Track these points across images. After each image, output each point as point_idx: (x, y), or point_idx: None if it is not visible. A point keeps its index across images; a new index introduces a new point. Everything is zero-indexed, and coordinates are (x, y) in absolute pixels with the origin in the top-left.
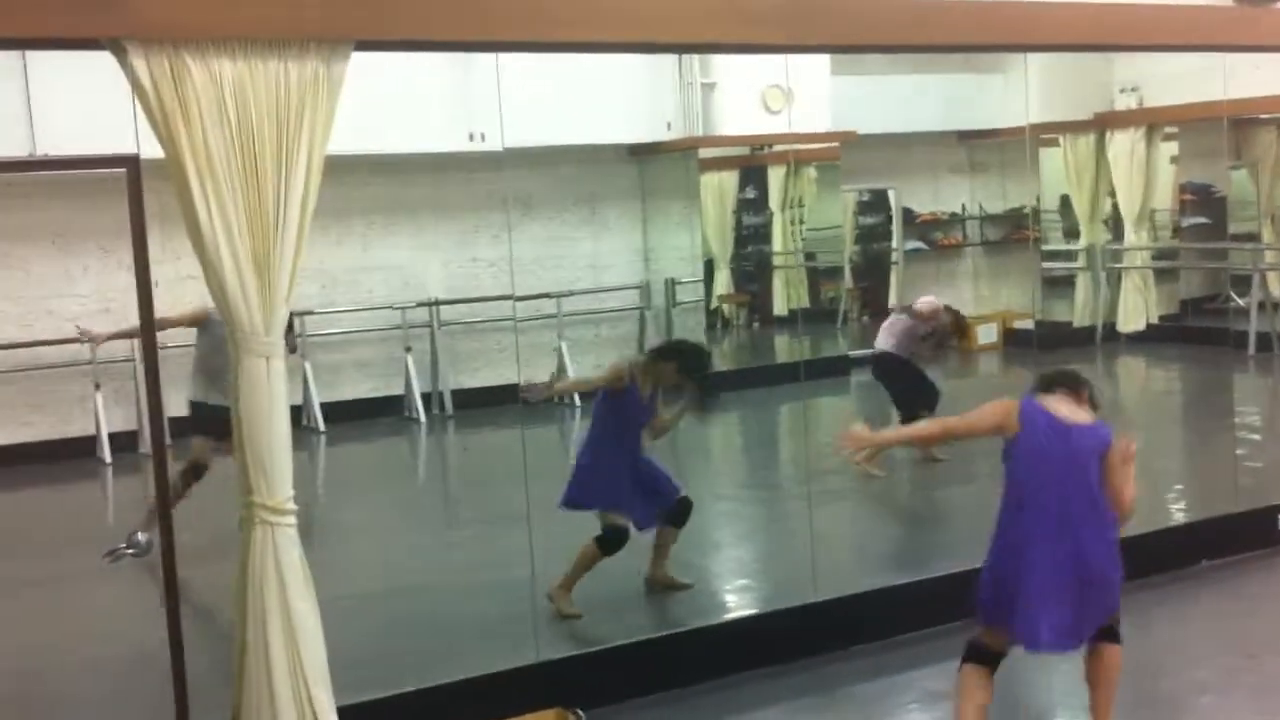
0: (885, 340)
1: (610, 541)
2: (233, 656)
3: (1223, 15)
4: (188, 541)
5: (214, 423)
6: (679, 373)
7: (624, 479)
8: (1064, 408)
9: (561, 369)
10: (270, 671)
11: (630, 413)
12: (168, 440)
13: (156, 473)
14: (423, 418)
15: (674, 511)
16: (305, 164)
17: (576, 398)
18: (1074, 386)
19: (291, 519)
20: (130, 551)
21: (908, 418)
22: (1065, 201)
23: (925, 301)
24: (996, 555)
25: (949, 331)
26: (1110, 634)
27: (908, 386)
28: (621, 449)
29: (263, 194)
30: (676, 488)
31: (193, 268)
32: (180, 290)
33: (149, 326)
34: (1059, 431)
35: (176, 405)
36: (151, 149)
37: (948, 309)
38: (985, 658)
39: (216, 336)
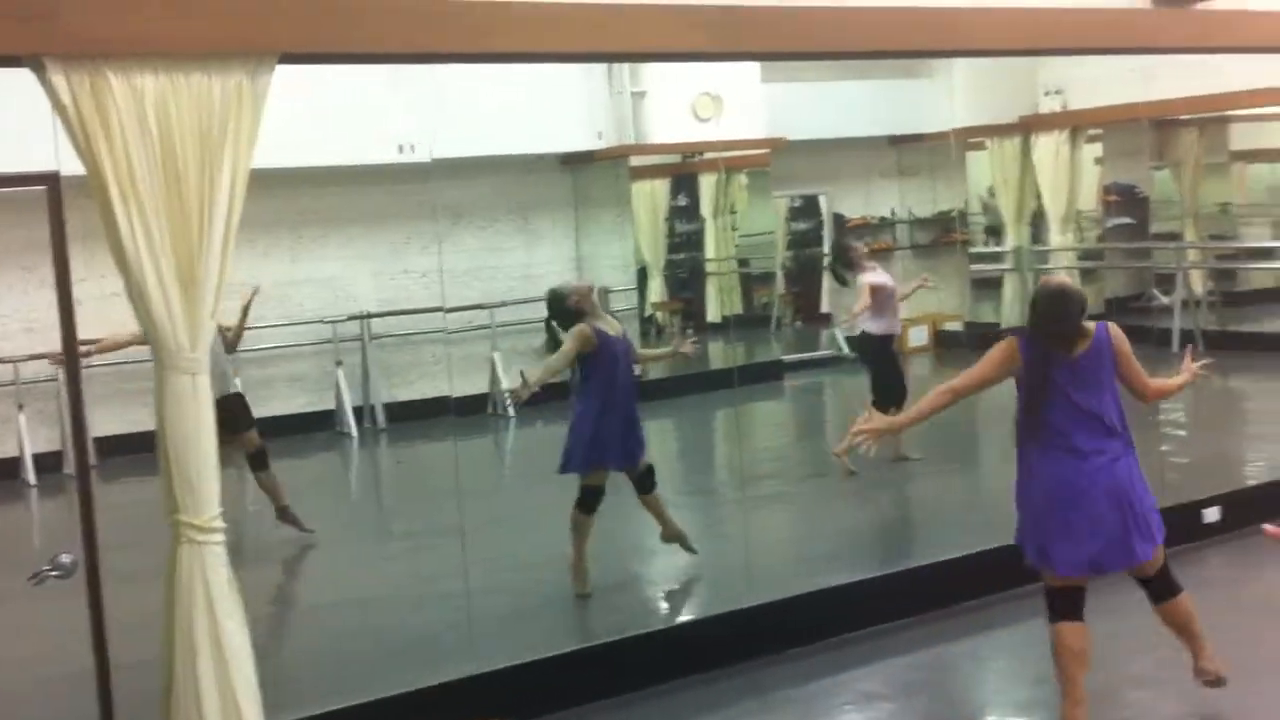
0: (867, 322)
1: (587, 501)
2: (160, 676)
3: (1142, 18)
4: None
5: None
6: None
7: (616, 434)
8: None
9: (495, 380)
10: (199, 691)
11: (618, 363)
12: (92, 460)
13: (81, 492)
14: (355, 432)
15: (640, 480)
16: (229, 178)
17: (511, 407)
18: (1066, 340)
19: (219, 537)
20: (54, 573)
21: (879, 407)
22: (988, 205)
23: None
24: (1027, 495)
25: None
26: (1171, 586)
27: (884, 371)
28: (619, 405)
29: (186, 209)
30: (643, 444)
31: (118, 285)
32: (106, 308)
33: (71, 347)
34: (1057, 358)
35: (102, 425)
36: (73, 166)
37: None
38: (1066, 606)
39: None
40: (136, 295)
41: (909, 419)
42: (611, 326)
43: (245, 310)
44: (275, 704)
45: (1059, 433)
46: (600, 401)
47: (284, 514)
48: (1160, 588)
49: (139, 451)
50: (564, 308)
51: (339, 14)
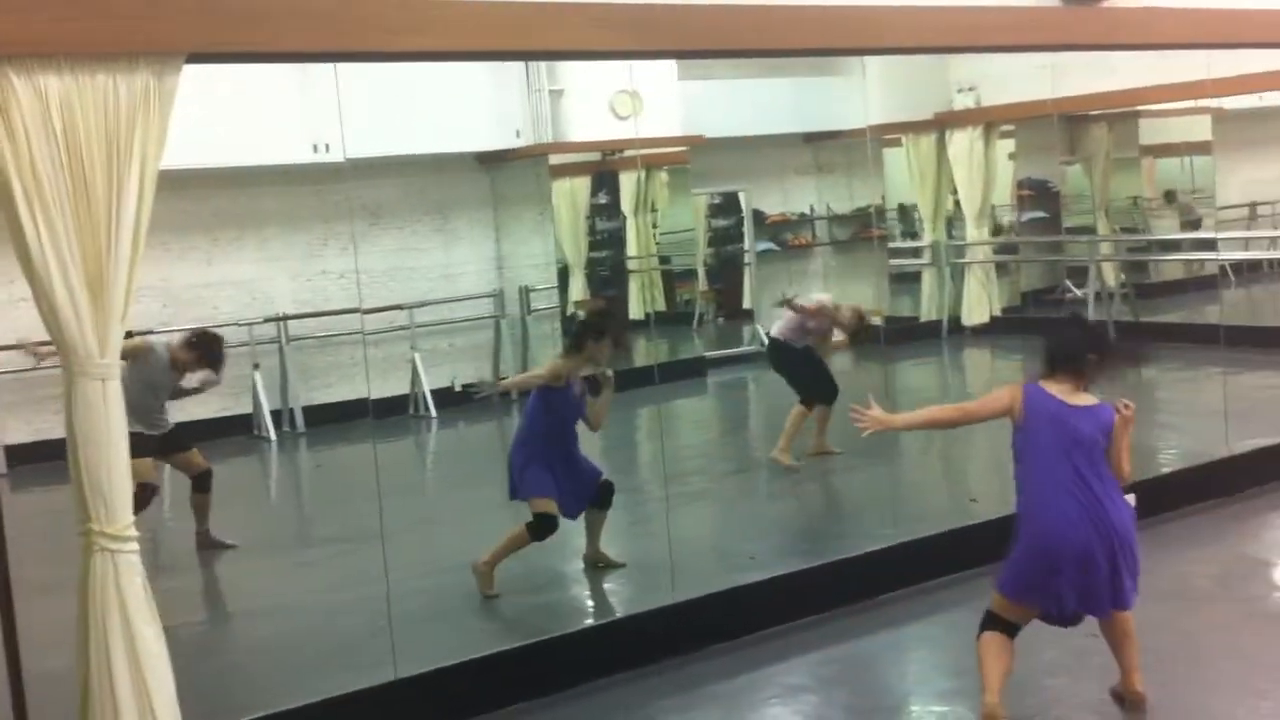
0: (777, 328)
1: (541, 529)
2: (77, 687)
3: (1050, 16)
4: (30, 572)
5: (146, 444)
6: (614, 343)
7: (557, 471)
8: (1066, 391)
9: (416, 380)
10: (116, 702)
11: (566, 410)
12: (3, 469)
13: None
14: (273, 436)
15: (598, 496)
16: (138, 180)
17: (433, 407)
18: (1075, 368)
19: (133, 545)
20: None
21: (808, 405)
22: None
23: (812, 299)
24: (1023, 536)
25: (836, 325)
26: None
27: (803, 374)
28: (556, 443)
29: (94, 212)
30: (598, 473)
31: (26, 290)
32: (14, 314)
33: None
34: (1062, 415)
35: (12, 432)
36: None
37: (850, 307)
38: (1006, 628)
39: (149, 372)
40: (43, 300)
41: (913, 420)
42: (580, 381)
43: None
44: (194, 713)
45: (1055, 479)
46: (535, 430)
47: (204, 538)
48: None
49: (51, 459)
50: (619, 323)
51: (245, 14)
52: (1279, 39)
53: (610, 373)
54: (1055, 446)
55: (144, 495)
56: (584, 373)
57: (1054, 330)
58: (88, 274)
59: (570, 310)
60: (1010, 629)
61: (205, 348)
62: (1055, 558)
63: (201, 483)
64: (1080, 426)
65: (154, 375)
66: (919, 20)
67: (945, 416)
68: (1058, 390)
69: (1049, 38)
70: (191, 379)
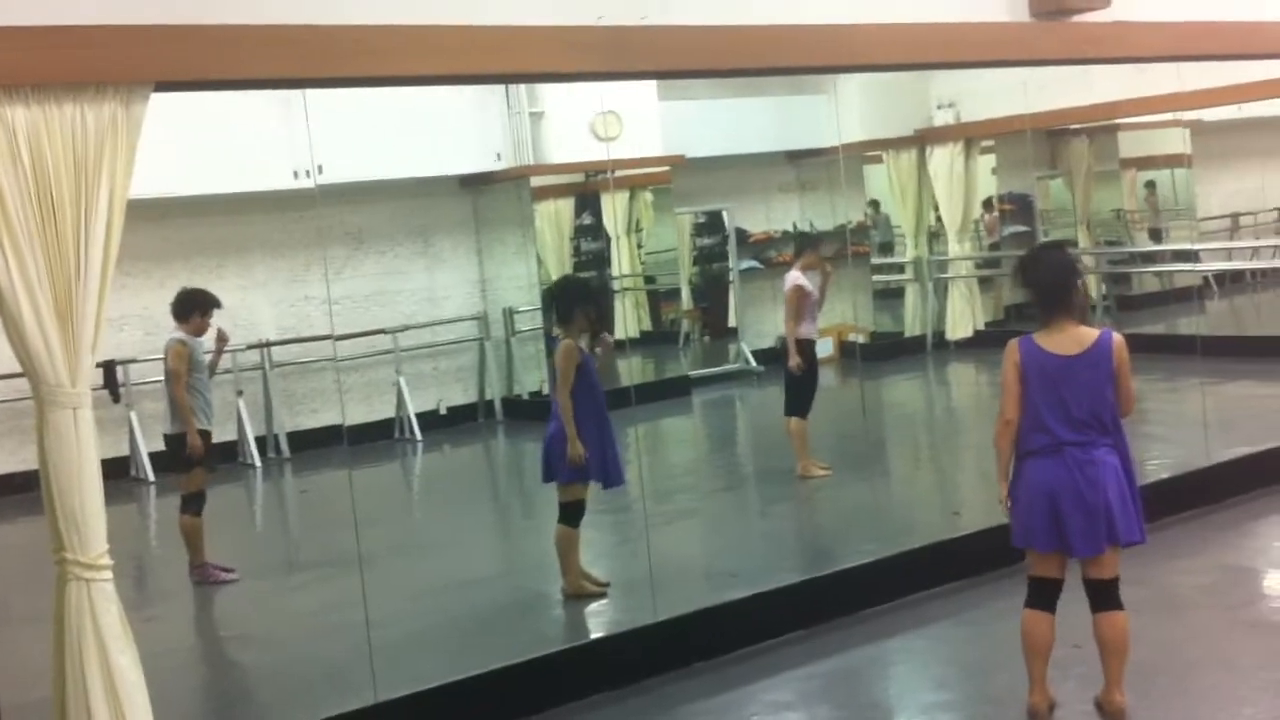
0: (805, 330)
1: (572, 514)
2: (54, 717)
3: (1021, 32)
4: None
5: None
6: (596, 302)
7: (597, 444)
8: (1062, 337)
9: (401, 404)
10: None
11: (593, 378)
12: None
13: None
14: (258, 462)
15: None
16: (106, 209)
17: (418, 431)
18: (1067, 300)
19: (107, 574)
20: None
21: (791, 411)
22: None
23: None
24: (1021, 478)
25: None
26: (1113, 600)
27: (802, 377)
28: (593, 416)
29: (63, 241)
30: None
31: None
32: None
33: None
34: (1053, 370)
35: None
36: None
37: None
38: (1041, 596)
39: (198, 361)
40: (13, 330)
41: (1001, 469)
42: (589, 343)
43: (219, 351)
44: None
45: (1048, 429)
46: (582, 416)
47: (201, 571)
48: (1104, 596)
49: (36, 489)
50: (567, 304)
51: (214, 42)
52: (1249, 50)
53: (609, 336)
54: (1045, 401)
55: (196, 502)
56: (585, 339)
57: (1033, 266)
58: (57, 304)
59: (555, 331)
60: (1045, 598)
61: (198, 299)
62: (1044, 500)
63: (195, 503)
64: (1074, 377)
65: (201, 357)
66: (891, 37)
67: (1008, 430)
68: (1052, 343)
69: (1020, 52)
70: (209, 342)
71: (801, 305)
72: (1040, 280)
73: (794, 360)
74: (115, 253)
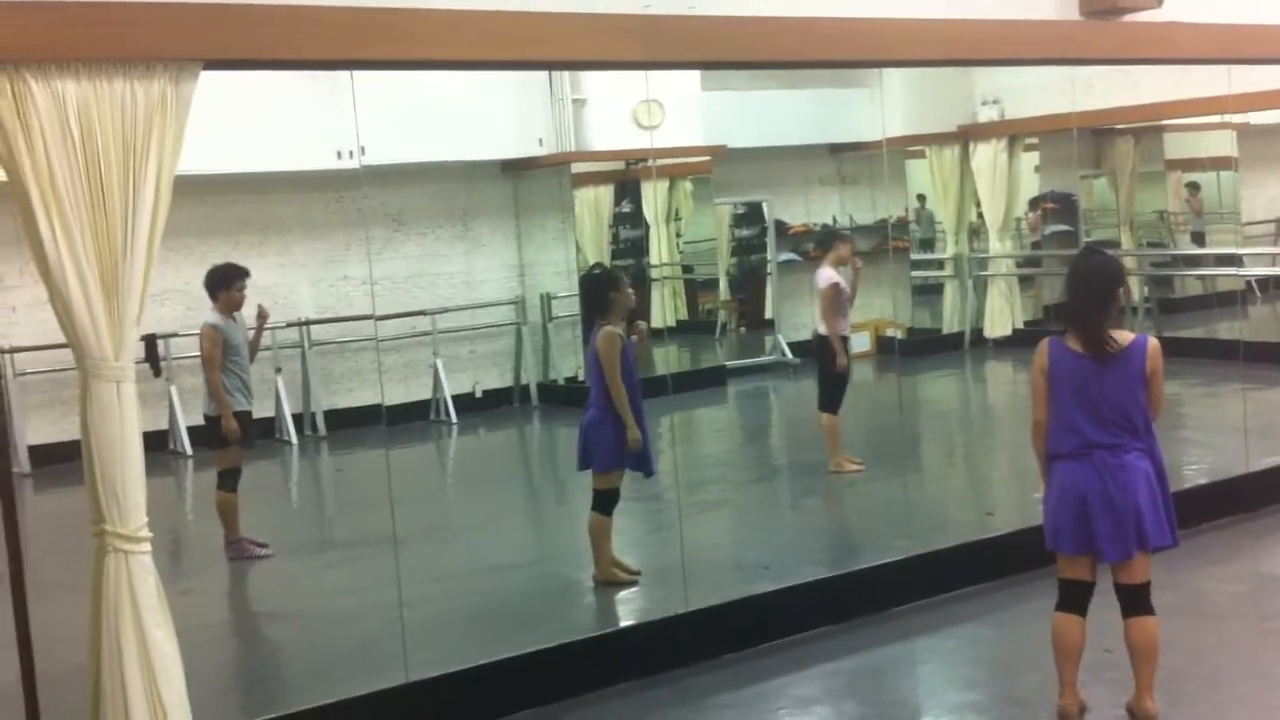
0: (844, 325)
1: (607, 502)
2: (88, 688)
3: (1071, 30)
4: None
5: (244, 421)
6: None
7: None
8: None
9: (438, 386)
10: (127, 703)
11: (633, 366)
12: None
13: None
14: (295, 439)
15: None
16: (154, 186)
17: (454, 413)
18: (1104, 316)
19: (146, 546)
20: None
21: (824, 407)
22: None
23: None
24: (1052, 480)
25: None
26: (1144, 605)
27: (829, 376)
28: (633, 400)
29: (110, 217)
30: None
31: None
32: (42, 314)
33: None
34: (1082, 375)
35: (36, 432)
36: None
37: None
38: (1072, 598)
39: (237, 344)
40: (59, 303)
41: (1043, 470)
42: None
43: (259, 329)
44: (204, 714)
45: (1078, 430)
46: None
47: (237, 547)
48: (1135, 601)
49: (75, 459)
50: (600, 291)
51: (263, 21)
52: None
53: (644, 324)
54: (1075, 402)
55: (232, 479)
56: (624, 326)
57: (1077, 285)
58: (103, 278)
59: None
60: (1076, 600)
61: (222, 274)
62: (1073, 503)
63: (230, 480)
64: (1105, 378)
65: (238, 338)
66: (934, 33)
67: (1039, 433)
68: (1082, 345)
69: (1068, 51)
70: (250, 319)
71: (839, 302)
72: (1084, 294)
73: (842, 359)
74: (161, 229)
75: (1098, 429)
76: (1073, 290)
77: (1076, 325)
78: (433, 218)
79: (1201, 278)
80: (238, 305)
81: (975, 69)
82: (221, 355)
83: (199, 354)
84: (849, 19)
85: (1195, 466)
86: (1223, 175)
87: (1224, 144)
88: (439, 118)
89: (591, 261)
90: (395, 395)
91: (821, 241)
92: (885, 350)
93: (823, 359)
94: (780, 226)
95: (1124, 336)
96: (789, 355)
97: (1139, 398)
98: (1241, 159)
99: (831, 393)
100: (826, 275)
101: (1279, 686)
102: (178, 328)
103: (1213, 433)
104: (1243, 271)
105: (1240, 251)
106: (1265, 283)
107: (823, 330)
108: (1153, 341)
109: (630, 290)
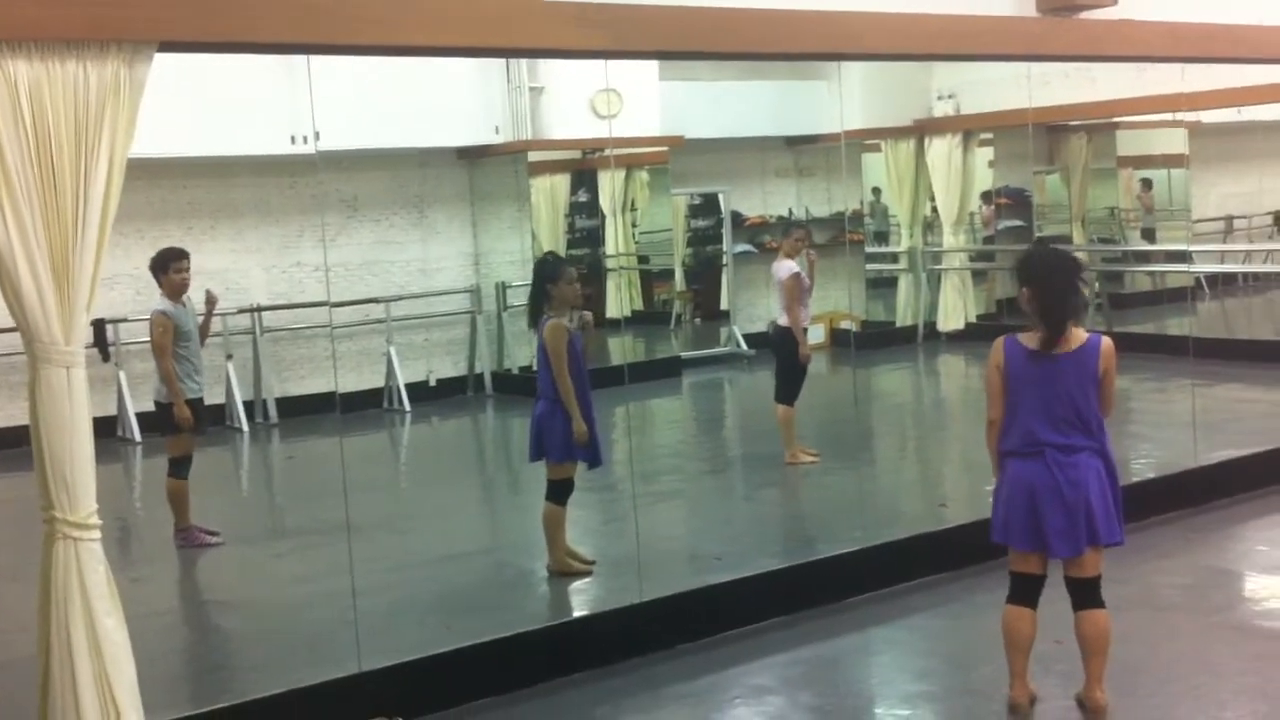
0: (779, 313)
1: (561, 492)
2: (38, 675)
3: (1027, 26)
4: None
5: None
6: (571, 278)
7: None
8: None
9: (391, 374)
10: (77, 692)
11: (580, 359)
12: None
13: None
14: (246, 427)
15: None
16: (106, 169)
17: (407, 402)
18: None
19: (96, 534)
20: None
21: (781, 399)
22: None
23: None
24: (1004, 475)
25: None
26: (1094, 598)
27: (787, 368)
28: (582, 392)
29: (61, 200)
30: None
31: None
32: None
33: None
34: (1035, 373)
35: None
36: None
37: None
38: (1022, 591)
39: (188, 331)
40: (9, 287)
41: (996, 468)
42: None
43: (209, 314)
44: (155, 703)
45: (1030, 429)
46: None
47: (187, 534)
48: (1086, 594)
49: (25, 445)
50: (541, 287)
51: (219, 3)
52: (1253, 54)
53: (589, 315)
54: (1026, 404)
55: (183, 466)
56: (570, 316)
57: (1041, 279)
58: (54, 262)
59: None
60: (1026, 593)
61: (160, 257)
62: (1024, 499)
63: (182, 467)
64: (1058, 377)
65: (189, 324)
66: (893, 26)
67: (993, 431)
68: (1038, 342)
69: (1024, 47)
70: (199, 305)
71: (800, 292)
72: (1048, 288)
73: (805, 349)
74: (113, 213)
75: (1050, 428)
76: (1036, 285)
77: (1043, 319)
78: (388, 204)
79: (1152, 274)
80: (181, 288)
81: (932, 64)
82: (172, 341)
83: (149, 340)
84: (808, 11)
85: (1144, 461)
86: (1174, 173)
87: (1176, 142)
88: (395, 104)
89: (546, 250)
90: (348, 383)
91: (785, 233)
92: (840, 343)
93: (782, 350)
94: (736, 218)
95: (1078, 335)
96: (744, 346)
97: (1091, 397)
98: (1193, 157)
99: (790, 384)
100: (787, 266)
101: (1227, 679)
102: (127, 312)
103: (1162, 428)
104: (1192, 268)
105: (1190, 248)
106: (1214, 279)
107: (783, 321)
108: (1106, 341)
109: (576, 283)
